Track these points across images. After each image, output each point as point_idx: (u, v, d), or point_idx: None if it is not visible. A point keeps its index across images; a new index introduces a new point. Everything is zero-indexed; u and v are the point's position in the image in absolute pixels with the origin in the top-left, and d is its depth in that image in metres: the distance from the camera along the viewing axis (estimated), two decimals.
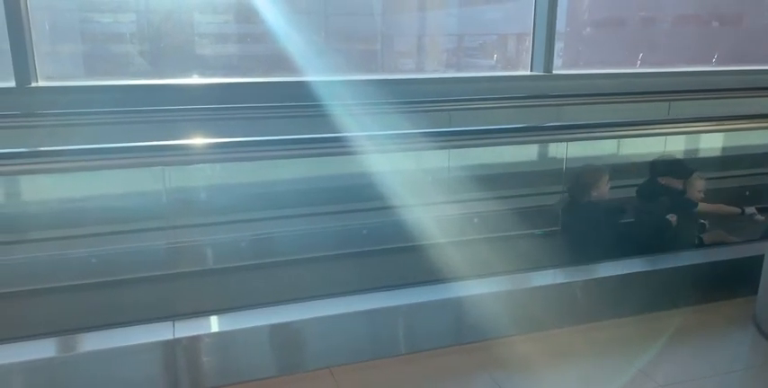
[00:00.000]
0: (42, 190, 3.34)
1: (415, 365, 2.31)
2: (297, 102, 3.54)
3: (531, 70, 4.27)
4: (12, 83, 3.22)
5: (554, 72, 4.23)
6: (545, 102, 3.97)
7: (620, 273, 2.66)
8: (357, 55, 5.50)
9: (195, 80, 4.17)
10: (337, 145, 2.56)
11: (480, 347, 2.40)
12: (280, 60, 4.13)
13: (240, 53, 5.45)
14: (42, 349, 2.08)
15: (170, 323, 2.12)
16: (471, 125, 2.93)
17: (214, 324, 2.21)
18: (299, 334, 2.28)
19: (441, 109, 3.71)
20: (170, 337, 2.06)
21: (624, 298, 2.59)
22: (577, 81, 4.26)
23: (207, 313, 2.22)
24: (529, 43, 4.49)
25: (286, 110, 3.53)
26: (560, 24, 4.40)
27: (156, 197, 3.12)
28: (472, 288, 2.52)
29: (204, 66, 4.93)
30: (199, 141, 2.47)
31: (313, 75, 3.87)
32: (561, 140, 3.07)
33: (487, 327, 2.40)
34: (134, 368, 2.06)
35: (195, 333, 2.11)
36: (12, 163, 2.24)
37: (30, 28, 3.30)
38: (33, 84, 3.27)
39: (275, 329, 2.24)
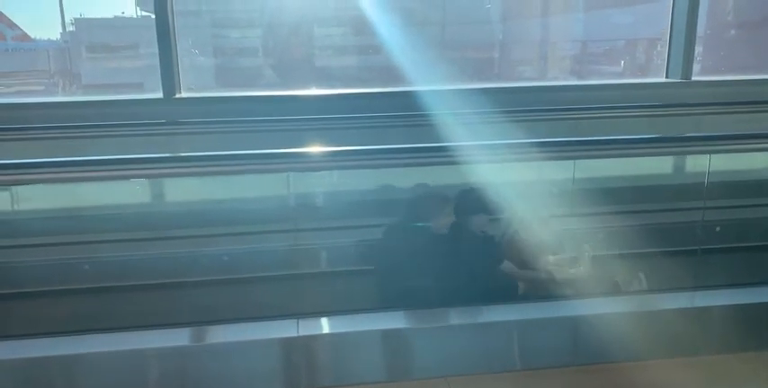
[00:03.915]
0: (175, 192, 3.66)
1: (534, 381, 2.21)
2: (415, 112, 3.56)
3: (667, 77, 3.96)
4: (160, 94, 3.56)
5: (693, 78, 3.89)
6: (683, 111, 3.66)
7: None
8: (474, 63, 5.45)
9: (317, 91, 4.33)
10: (457, 154, 2.53)
11: (605, 369, 2.25)
12: (397, 71, 4.19)
13: (359, 64, 5.62)
14: (175, 338, 2.24)
15: (294, 321, 2.21)
16: (600, 135, 2.77)
17: (336, 325, 2.27)
18: (415, 341, 2.28)
19: (566, 117, 3.55)
20: (294, 334, 2.15)
21: None
22: (721, 88, 3.89)
23: (329, 313, 2.28)
24: (661, 48, 4.17)
25: (405, 119, 3.56)
26: (699, 27, 4.04)
27: (282, 201, 3.28)
28: (597, 307, 2.37)
29: (325, 77, 5.14)
30: (321, 149, 2.56)
31: (430, 85, 3.87)
32: (702, 152, 2.80)
33: (613, 349, 2.25)
34: (259, 362, 2.16)
35: (318, 332, 2.19)
36: (159, 166, 2.45)
37: (176, 44, 3.62)
38: (178, 95, 3.58)
39: (392, 334, 2.26)
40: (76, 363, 2.15)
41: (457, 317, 2.35)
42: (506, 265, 2.92)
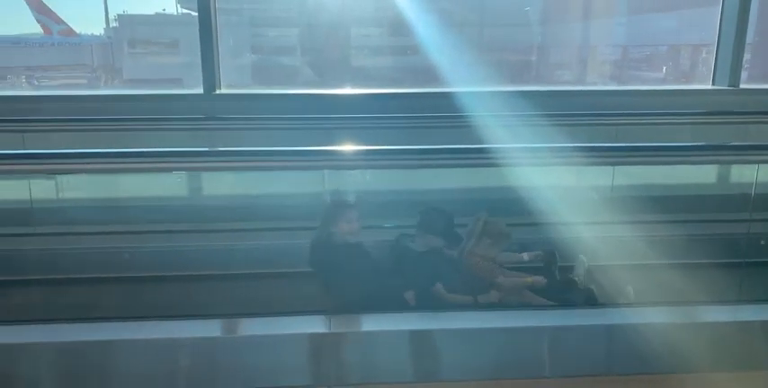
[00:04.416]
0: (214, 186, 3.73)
1: None
2: (451, 113, 3.54)
3: (713, 84, 3.86)
4: (200, 90, 3.63)
5: (741, 86, 3.78)
6: (730, 120, 3.55)
7: None
8: (511, 66, 5.39)
9: (352, 90, 4.35)
10: (495, 157, 2.50)
11: (642, 380, 2.19)
12: (434, 72, 4.18)
13: (396, 65, 5.63)
14: (208, 329, 2.27)
15: (326, 318, 2.21)
16: (643, 142, 2.71)
17: (367, 323, 2.27)
18: (447, 343, 2.26)
19: (606, 123, 3.49)
20: (326, 331, 2.15)
21: None
22: None
23: (361, 311, 2.28)
24: (706, 54, 4.06)
25: (441, 120, 3.55)
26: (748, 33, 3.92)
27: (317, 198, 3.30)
28: (635, 316, 2.32)
29: (361, 77, 5.16)
30: (353, 147, 2.56)
31: (467, 87, 3.85)
32: (748, 162, 2.71)
33: (649, 360, 2.19)
34: (288, 356, 2.17)
35: (349, 330, 2.18)
36: (197, 160, 2.49)
37: (218, 42, 3.69)
38: (217, 91, 3.65)
39: (423, 335, 2.25)
40: (111, 348, 2.19)
41: (489, 320, 2.32)
42: (437, 287, 2.71)
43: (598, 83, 5.16)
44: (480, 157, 2.47)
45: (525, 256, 2.96)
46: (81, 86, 11.11)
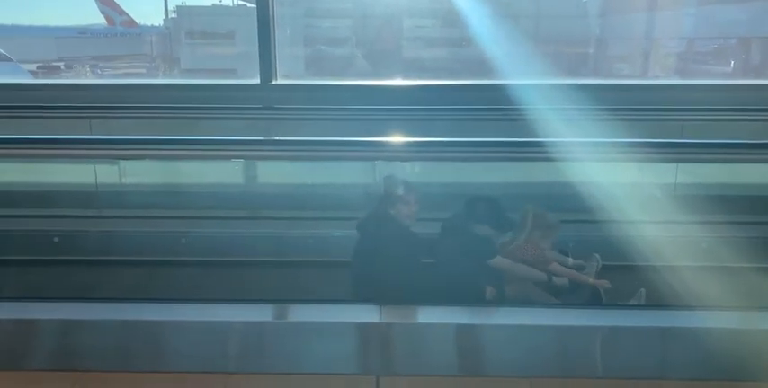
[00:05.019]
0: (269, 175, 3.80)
1: None
2: (505, 105, 3.48)
3: None
4: (257, 80, 3.69)
5: None
6: None
7: None
8: (568, 58, 5.25)
9: (405, 81, 4.33)
10: (538, 151, 2.44)
11: (699, 386, 2.10)
12: (489, 64, 4.11)
13: (450, 56, 5.57)
14: (260, 313, 2.31)
15: (377, 307, 2.22)
16: (710, 139, 2.58)
17: (418, 315, 2.26)
18: (494, 338, 2.23)
19: (671, 118, 3.34)
20: (377, 320, 2.16)
21: None
22: None
23: (413, 302, 2.28)
24: None
25: (493, 112, 3.49)
26: None
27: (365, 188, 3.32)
28: (693, 319, 2.22)
29: (414, 68, 5.13)
30: (405, 139, 2.54)
31: (521, 79, 3.77)
32: None
33: (710, 366, 2.10)
34: (337, 344, 2.19)
35: (400, 320, 2.18)
36: (251, 149, 2.53)
37: (275, 35, 3.75)
38: (274, 82, 3.71)
39: (471, 329, 2.22)
40: (162, 328, 2.26)
41: (543, 317, 2.27)
42: (499, 260, 2.73)
43: (660, 77, 4.95)
44: (530, 151, 2.41)
45: (571, 260, 2.93)
46: (140, 75, 11.52)
